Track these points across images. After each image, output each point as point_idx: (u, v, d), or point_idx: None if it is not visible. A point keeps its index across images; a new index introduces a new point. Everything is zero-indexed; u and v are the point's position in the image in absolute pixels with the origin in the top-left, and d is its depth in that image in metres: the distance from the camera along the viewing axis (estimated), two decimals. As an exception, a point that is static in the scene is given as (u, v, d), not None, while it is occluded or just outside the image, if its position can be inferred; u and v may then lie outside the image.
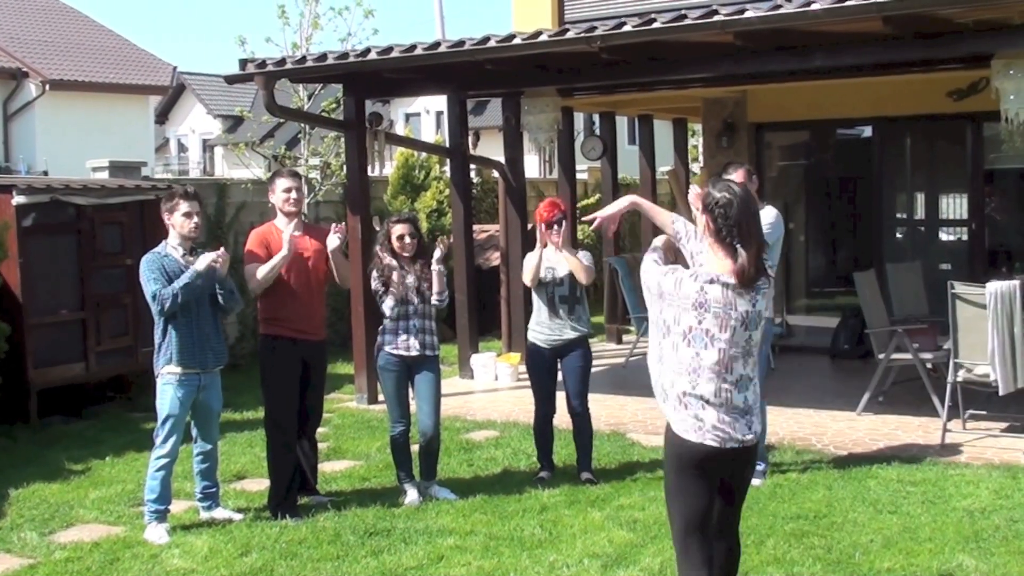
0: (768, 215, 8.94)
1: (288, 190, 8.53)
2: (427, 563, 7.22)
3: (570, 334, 9.10)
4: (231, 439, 10.94)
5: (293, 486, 8.47)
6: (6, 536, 8.05)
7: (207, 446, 8.31)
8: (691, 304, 5.03)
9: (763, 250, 5.14)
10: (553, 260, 9.11)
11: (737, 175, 8.73)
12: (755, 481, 8.81)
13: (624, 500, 8.48)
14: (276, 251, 8.36)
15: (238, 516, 8.31)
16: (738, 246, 5.02)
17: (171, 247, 8.13)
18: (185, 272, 7.96)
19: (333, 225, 8.66)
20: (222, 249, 8.15)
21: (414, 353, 8.60)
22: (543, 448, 9.39)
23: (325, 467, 9.47)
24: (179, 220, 8.11)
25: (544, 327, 9.15)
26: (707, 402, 5.05)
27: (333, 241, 8.47)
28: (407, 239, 8.63)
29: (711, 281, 5.03)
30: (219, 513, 8.32)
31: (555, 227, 9.03)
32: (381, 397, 10.91)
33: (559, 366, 9.23)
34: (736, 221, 5.03)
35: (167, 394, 7.96)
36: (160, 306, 7.90)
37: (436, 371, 8.74)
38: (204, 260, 7.98)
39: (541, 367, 9.23)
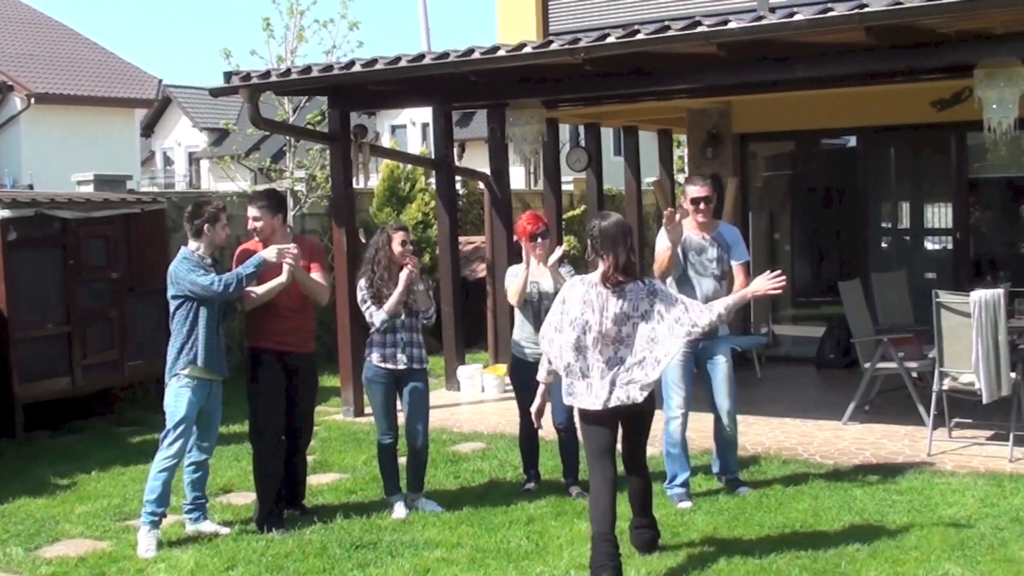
0: (734, 229, 9.03)
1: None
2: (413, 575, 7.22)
3: None
4: (217, 452, 10.83)
5: (280, 500, 8.47)
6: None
7: (203, 456, 8.32)
8: (580, 301, 6.95)
9: (626, 261, 6.92)
10: (537, 274, 9.06)
11: (701, 190, 8.95)
12: (742, 489, 8.83)
13: (611, 511, 8.48)
14: (266, 269, 8.34)
15: (225, 530, 8.29)
16: (605, 257, 6.90)
17: (198, 255, 8.17)
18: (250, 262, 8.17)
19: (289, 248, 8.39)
20: (294, 246, 8.29)
21: (401, 367, 8.59)
22: (528, 459, 9.39)
23: (311, 480, 9.44)
24: (221, 231, 8.23)
25: (529, 342, 9.06)
26: (586, 375, 7.01)
27: (285, 270, 8.30)
28: (405, 245, 8.62)
29: (592, 284, 6.98)
30: (206, 526, 8.31)
31: (539, 239, 9.00)
32: (367, 410, 10.93)
33: None
34: (599, 242, 6.96)
35: (183, 397, 7.98)
36: (224, 289, 7.97)
37: (424, 383, 8.73)
38: (272, 251, 8.17)
39: (525, 379, 8.99)
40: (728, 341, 9.05)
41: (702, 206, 8.95)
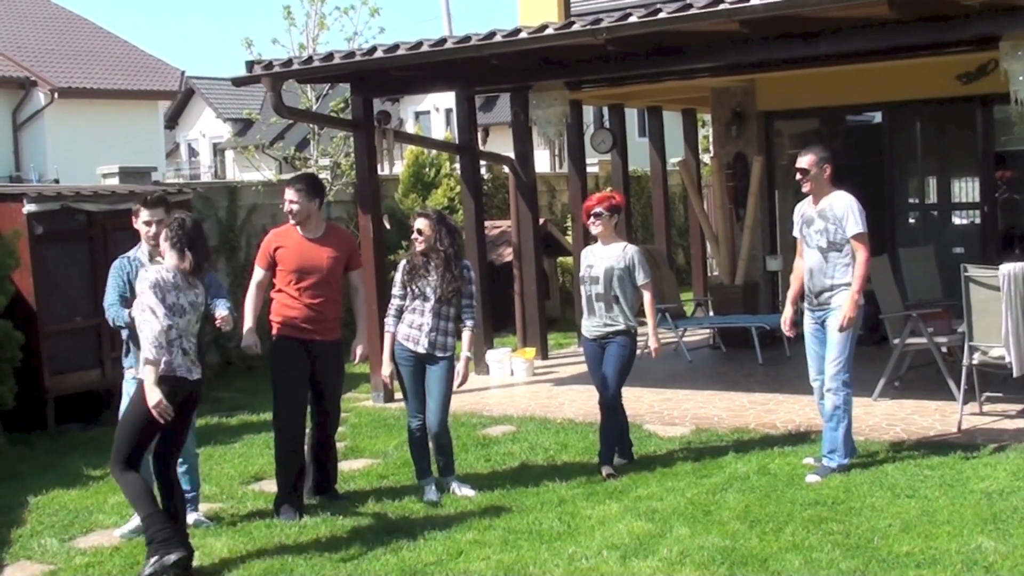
0: (845, 200, 8.87)
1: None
2: (446, 558, 7.23)
3: (605, 330, 9.09)
4: (249, 441, 10.97)
5: (299, 485, 8.50)
6: (27, 543, 8.08)
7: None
8: (170, 287, 7.18)
9: (207, 256, 7.47)
10: (591, 257, 9.21)
11: (799, 161, 9.00)
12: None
13: (642, 491, 8.49)
14: (280, 260, 8.52)
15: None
16: (186, 250, 7.25)
17: (141, 252, 8.11)
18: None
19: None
20: None
21: (422, 351, 8.61)
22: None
23: (343, 466, 9.48)
24: (141, 228, 8.11)
25: (586, 321, 9.25)
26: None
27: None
28: (414, 233, 8.67)
29: (173, 274, 7.23)
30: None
31: (591, 218, 9.12)
32: (397, 395, 10.95)
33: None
34: (185, 233, 7.28)
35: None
36: (109, 318, 7.95)
37: (446, 369, 8.70)
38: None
39: (590, 356, 9.30)
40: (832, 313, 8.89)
41: (797, 176, 9.01)
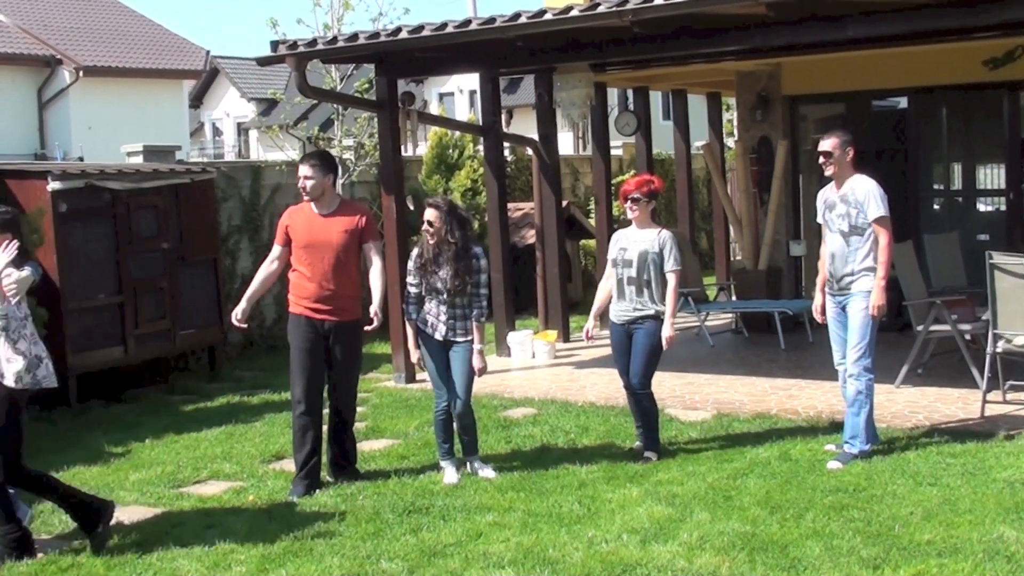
0: (867, 184, 8.84)
1: None
2: (466, 540, 7.22)
3: (634, 314, 9.04)
4: (270, 420, 11.00)
5: (313, 463, 8.53)
6: (48, 519, 8.10)
7: None
8: None
9: None
10: (625, 241, 9.15)
11: (822, 143, 9.00)
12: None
13: (663, 475, 8.47)
14: (292, 237, 8.60)
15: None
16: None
17: None
18: None
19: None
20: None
21: (439, 337, 8.65)
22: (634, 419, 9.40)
23: (364, 446, 9.49)
24: None
25: (615, 305, 9.17)
26: None
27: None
28: (424, 224, 8.61)
29: None
30: None
31: (629, 202, 9.08)
32: (419, 376, 10.94)
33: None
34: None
35: None
36: None
37: (468, 350, 8.71)
38: None
39: (615, 341, 9.24)
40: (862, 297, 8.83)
41: (820, 160, 9.02)
